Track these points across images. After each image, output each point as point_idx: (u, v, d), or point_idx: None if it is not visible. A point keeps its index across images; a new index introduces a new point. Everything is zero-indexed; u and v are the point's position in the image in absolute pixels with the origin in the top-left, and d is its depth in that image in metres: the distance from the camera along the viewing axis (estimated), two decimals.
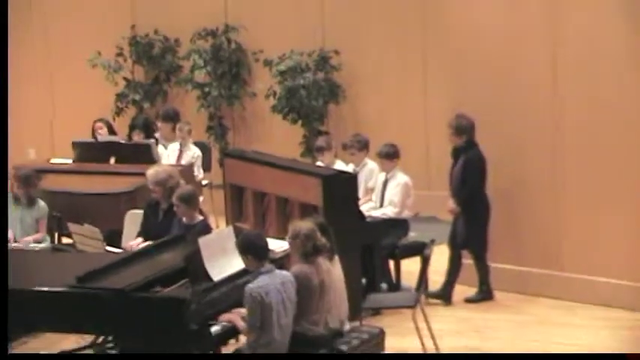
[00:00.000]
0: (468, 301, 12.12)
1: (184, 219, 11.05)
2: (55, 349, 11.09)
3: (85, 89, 14.83)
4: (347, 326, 9.81)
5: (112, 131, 14.01)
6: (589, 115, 11.70)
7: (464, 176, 11.93)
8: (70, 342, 11.02)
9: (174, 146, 13.67)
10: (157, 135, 13.85)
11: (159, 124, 14.48)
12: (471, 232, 11.95)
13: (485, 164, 12.09)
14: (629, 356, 8.50)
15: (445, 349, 10.82)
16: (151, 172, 11.54)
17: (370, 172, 12.69)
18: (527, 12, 11.98)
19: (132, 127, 14.07)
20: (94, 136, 13.96)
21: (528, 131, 12.11)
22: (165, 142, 14.02)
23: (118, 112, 14.84)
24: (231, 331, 9.65)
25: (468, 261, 12.34)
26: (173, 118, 14.43)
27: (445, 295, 12.10)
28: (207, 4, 14.87)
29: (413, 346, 10.64)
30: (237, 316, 9.45)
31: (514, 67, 12.06)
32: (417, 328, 10.53)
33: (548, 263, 12.18)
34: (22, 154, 13.19)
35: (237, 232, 10.29)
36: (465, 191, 11.96)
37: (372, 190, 12.54)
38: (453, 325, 11.57)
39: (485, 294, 12.07)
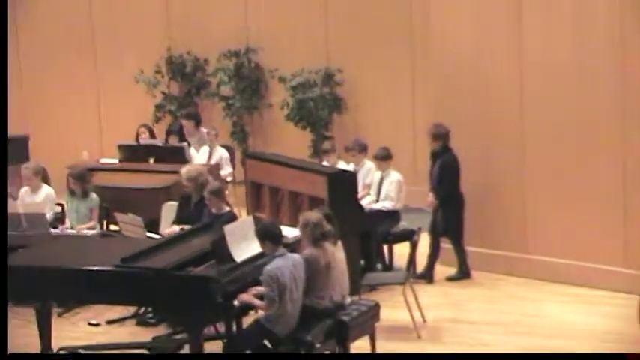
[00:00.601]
0: (449, 279, 12.15)
1: (214, 210, 11.00)
2: (102, 318, 11.12)
3: (129, 100, 14.76)
4: (348, 300, 9.86)
5: (152, 136, 14.03)
6: (550, 119, 11.73)
7: (441, 176, 12.00)
8: (115, 312, 11.08)
9: (205, 149, 13.63)
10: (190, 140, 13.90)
11: (183, 122, 14.34)
12: (449, 222, 12.00)
13: (459, 165, 12.07)
14: (629, 356, 8.18)
15: (430, 318, 10.84)
16: (185, 170, 11.62)
17: (368, 171, 12.70)
18: (497, 40, 12.00)
19: (168, 133, 14.08)
20: (137, 139, 13.95)
21: (498, 135, 12.18)
22: (190, 137, 13.93)
23: (157, 120, 14.76)
24: (249, 306, 9.71)
25: (448, 245, 12.32)
26: (194, 116, 14.29)
27: (428, 275, 12.12)
28: (231, 29, 14.74)
29: (403, 317, 10.62)
30: (251, 296, 9.47)
31: (486, 85, 12.09)
32: (407, 302, 10.58)
33: (515, 247, 12.15)
34: (76, 155, 13.14)
35: (256, 221, 10.27)
36: (443, 188, 12.00)
37: (369, 186, 12.57)
38: (437, 299, 11.55)
39: (463, 274, 12.12)
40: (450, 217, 12.04)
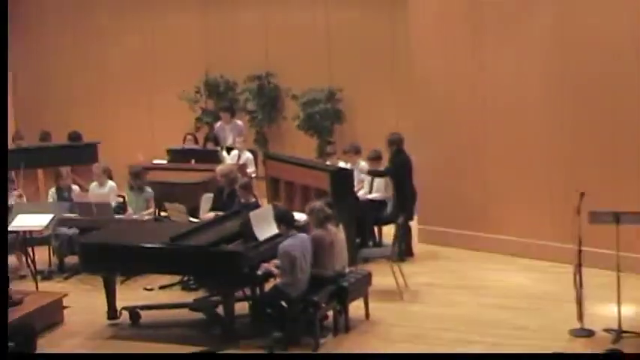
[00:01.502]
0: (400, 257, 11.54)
1: (242, 200, 10.99)
2: (155, 285, 11.11)
3: (175, 114, 14.44)
4: (347, 270, 9.90)
5: (196, 142, 13.95)
6: (506, 116, 11.60)
7: (396, 171, 11.89)
8: (165, 280, 11.08)
9: (235, 152, 13.56)
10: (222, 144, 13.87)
11: (221, 113, 14.28)
12: (400, 209, 11.71)
13: (411, 163, 11.89)
14: (629, 356, 7.51)
15: (410, 284, 10.77)
16: (219, 168, 11.64)
17: (362, 169, 12.49)
18: (461, 62, 11.87)
19: (206, 140, 13.89)
20: (183, 144, 13.89)
21: (462, 135, 12.03)
22: (226, 125, 13.85)
23: (197, 129, 14.68)
24: (269, 275, 9.75)
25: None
26: (230, 109, 14.27)
27: (407, 252, 11.93)
28: (255, 58, 14.52)
29: (390, 283, 10.56)
30: (271, 266, 9.51)
31: (454, 97, 12.00)
32: (393, 271, 10.62)
33: (478, 228, 12.02)
34: (133, 157, 13.19)
35: (275, 208, 10.26)
36: (395, 181, 11.88)
37: (362, 181, 12.47)
38: (415, 269, 11.43)
39: (403, 252, 11.66)
40: (401, 206, 11.79)
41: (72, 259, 11.49)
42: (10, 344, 7.25)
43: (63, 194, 12.16)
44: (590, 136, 11.01)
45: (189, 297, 10.60)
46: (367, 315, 10.02)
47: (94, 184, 12.38)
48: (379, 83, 13.84)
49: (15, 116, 14.72)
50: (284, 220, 9.70)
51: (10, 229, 10.61)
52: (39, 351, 7.31)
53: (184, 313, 10.20)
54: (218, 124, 14.17)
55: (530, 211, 11.50)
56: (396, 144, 11.88)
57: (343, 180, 11.65)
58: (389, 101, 13.64)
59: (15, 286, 10.44)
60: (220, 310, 9.80)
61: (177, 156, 13.41)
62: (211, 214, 10.96)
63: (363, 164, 12.51)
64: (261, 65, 14.56)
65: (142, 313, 10.20)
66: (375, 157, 12.22)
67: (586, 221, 9.32)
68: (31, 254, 11.39)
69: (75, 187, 12.32)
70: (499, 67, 11.59)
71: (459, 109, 11.98)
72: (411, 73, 12.42)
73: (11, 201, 11.18)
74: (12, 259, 10.99)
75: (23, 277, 11.26)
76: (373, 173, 12.16)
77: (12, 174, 11.33)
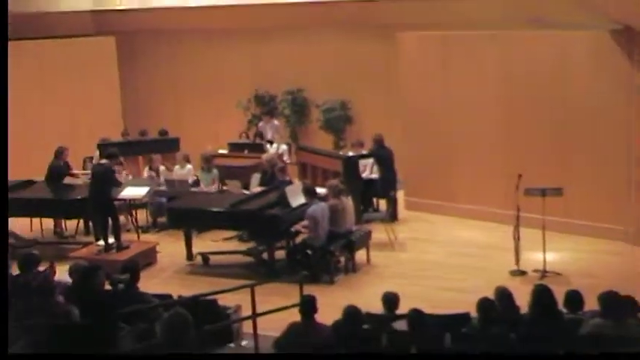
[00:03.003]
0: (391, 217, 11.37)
1: (280, 178, 10.99)
2: (220, 237, 10.76)
3: (233, 118, 14.29)
4: (354, 228, 9.92)
5: (247, 137, 13.67)
6: (468, 121, 11.32)
7: (378, 162, 11.64)
8: (226, 234, 10.89)
9: (275, 145, 13.26)
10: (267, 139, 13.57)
11: (264, 117, 13.90)
12: (385, 186, 11.44)
13: (392, 155, 11.51)
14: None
15: (399, 238, 10.62)
16: (264, 156, 11.57)
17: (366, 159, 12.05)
18: (434, 82, 11.59)
19: (255, 136, 13.51)
20: (239, 139, 13.60)
21: (436, 133, 11.70)
22: (266, 124, 13.59)
23: (248, 129, 14.30)
24: (298, 232, 9.78)
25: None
26: (269, 112, 14.09)
27: (395, 215, 11.58)
28: (289, 78, 14.14)
29: (384, 237, 10.42)
30: (300, 226, 9.58)
31: (432, 106, 11.73)
32: (386, 229, 10.55)
33: (447, 198, 11.67)
34: (203, 148, 13.20)
35: (303, 184, 10.35)
36: (381, 168, 11.59)
37: (365, 165, 11.93)
38: (402, 228, 11.15)
39: (392, 216, 11.33)
40: (385, 184, 11.46)
41: (162, 219, 11.48)
42: (122, 277, 7.32)
43: (154, 174, 12.15)
44: (525, 136, 10.94)
45: (244, 246, 10.54)
46: (368, 260, 9.96)
47: (177, 166, 12.28)
48: (377, 96, 13.63)
49: (124, 118, 14.70)
50: (309, 192, 9.78)
51: (119, 197, 10.62)
52: (140, 282, 7.34)
53: (239, 258, 10.17)
54: (260, 123, 14.07)
55: (484, 188, 11.28)
56: (377, 142, 11.54)
57: (351, 165, 11.51)
58: (384, 109, 13.45)
59: (124, 237, 10.49)
60: (265, 255, 9.82)
61: (235, 147, 13.23)
62: (258, 188, 10.90)
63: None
64: (293, 83, 14.31)
65: (211, 257, 10.20)
66: (358, 144, 11.99)
67: (522, 194, 9.42)
68: (134, 215, 11.49)
69: (162, 168, 12.25)
70: (462, 86, 11.44)
71: (433, 115, 11.74)
72: (400, 90, 12.27)
73: (121, 178, 11.13)
74: (122, 218, 10.91)
75: (128, 230, 11.26)
76: (360, 157, 11.72)
77: (121, 159, 11.38)
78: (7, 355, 4.60)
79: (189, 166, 12.33)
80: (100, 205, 10.20)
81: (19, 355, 4.65)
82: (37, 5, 13.74)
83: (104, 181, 10.15)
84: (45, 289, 6.70)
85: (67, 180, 11.52)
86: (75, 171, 11.89)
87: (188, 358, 4.40)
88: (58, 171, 11.33)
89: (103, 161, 10.44)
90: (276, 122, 13.98)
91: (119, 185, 10.52)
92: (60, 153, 11.42)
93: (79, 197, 10.67)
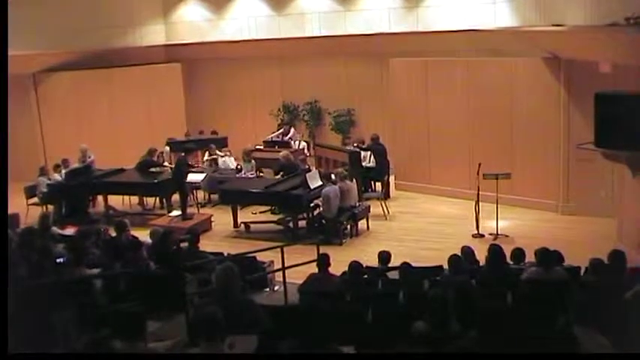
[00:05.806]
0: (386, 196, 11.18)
1: (301, 166, 10.92)
2: (257, 210, 10.54)
3: (266, 122, 14.09)
4: (357, 204, 9.77)
5: (277, 137, 13.30)
6: (442, 125, 11.14)
7: (374, 154, 11.37)
8: (262, 208, 10.63)
9: (297, 143, 13.02)
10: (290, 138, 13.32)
11: (285, 126, 13.44)
12: (380, 172, 11.22)
13: (385, 150, 11.24)
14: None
15: (391, 211, 10.38)
16: (281, 154, 11.17)
17: (365, 152, 11.92)
18: (418, 98, 11.44)
19: (283, 135, 13.66)
20: (271, 138, 13.27)
21: (417, 133, 11.45)
22: (287, 133, 13.30)
23: (278, 131, 14.65)
24: (316, 207, 9.61)
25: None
26: (290, 121, 13.84)
27: (387, 195, 11.39)
28: (308, 92, 13.90)
29: (380, 211, 10.18)
30: (317, 203, 9.51)
31: (413, 114, 11.53)
32: (381, 205, 10.38)
33: (426, 180, 11.43)
34: (243, 146, 13.08)
35: (319, 172, 10.27)
36: (377, 159, 11.34)
37: (365, 157, 11.70)
38: (393, 203, 10.90)
39: (385, 194, 10.96)
40: (379, 170, 11.26)
41: (215, 197, 11.38)
42: (184, 239, 7.37)
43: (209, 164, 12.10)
44: (483, 135, 10.81)
45: (275, 218, 10.35)
46: (368, 227, 9.84)
47: (224, 159, 12.18)
48: (374, 107, 13.51)
49: (186, 123, 14.58)
50: (323, 177, 9.80)
51: (187, 180, 10.63)
52: (201, 243, 7.27)
53: (272, 226, 10.01)
54: (286, 127, 13.76)
55: (454, 173, 11.06)
56: (374, 139, 11.38)
57: (354, 157, 11.30)
58: (379, 115, 13.38)
59: (189, 210, 10.45)
60: (291, 224, 9.72)
61: (268, 144, 13.06)
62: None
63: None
64: (311, 96, 14.15)
65: (251, 225, 10.09)
66: (359, 141, 11.79)
67: (482, 178, 9.39)
68: (195, 194, 11.46)
69: (221, 160, 12.13)
70: (437, 98, 11.25)
71: (416, 120, 11.51)
72: (391, 101, 12.12)
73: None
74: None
75: (191, 205, 11.18)
76: (361, 149, 11.47)
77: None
78: (7, 355, 3.68)
79: (232, 158, 12.16)
80: (179, 186, 10.28)
81: (19, 355, 3.68)
82: (125, 42, 13.93)
83: (182, 169, 10.31)
84: (134, 244, 6.82)
85: (153, 170, 11.47)
86: (166, 164, 11.77)
87: (188, 358, 3.70)
88: (147, 163, 11.39)
89: (182, 154, 10.63)
90: (293, 129, 13.65)
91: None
92: (153, 151, 11.52)
93: (155, 181, 10.76)
